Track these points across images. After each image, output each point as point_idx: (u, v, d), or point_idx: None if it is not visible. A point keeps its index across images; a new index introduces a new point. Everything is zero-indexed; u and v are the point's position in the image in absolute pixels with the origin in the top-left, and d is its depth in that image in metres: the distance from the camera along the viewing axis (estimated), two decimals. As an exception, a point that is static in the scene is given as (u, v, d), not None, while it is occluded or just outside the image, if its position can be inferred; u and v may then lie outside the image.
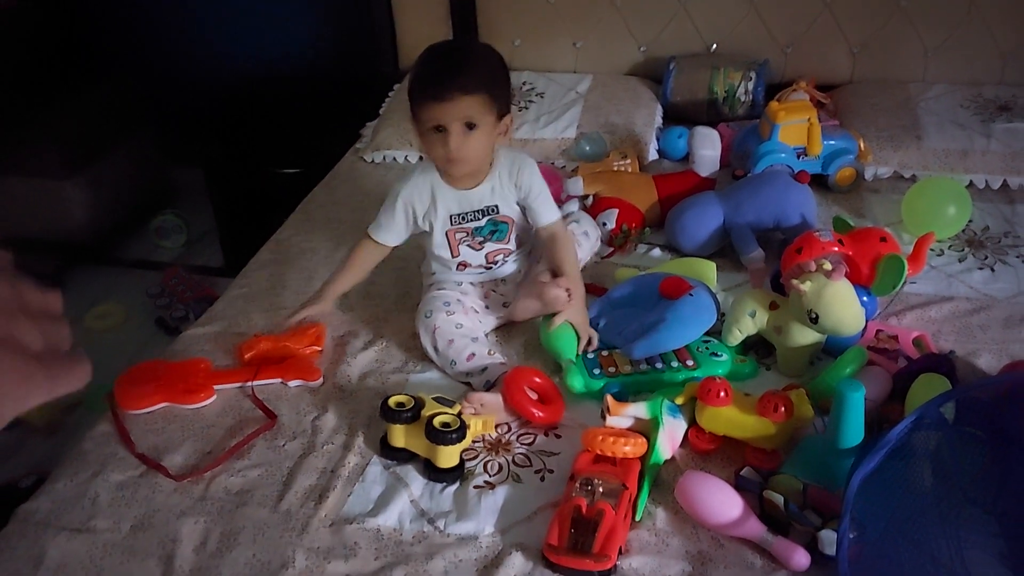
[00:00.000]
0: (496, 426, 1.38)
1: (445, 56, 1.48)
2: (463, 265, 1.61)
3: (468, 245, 1.59)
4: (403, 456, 1.32)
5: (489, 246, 1.60)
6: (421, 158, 2.15)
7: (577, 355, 1.49)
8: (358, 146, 2.40)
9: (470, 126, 1.44)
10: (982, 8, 2.24)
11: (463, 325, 1.52)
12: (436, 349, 1.51)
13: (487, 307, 1.62)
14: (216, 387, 1.49)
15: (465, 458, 1.32)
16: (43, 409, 2.22)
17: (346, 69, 2.94)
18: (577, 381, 1.43)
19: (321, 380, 1.51)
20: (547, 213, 1.59)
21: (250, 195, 2.70)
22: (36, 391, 0.43)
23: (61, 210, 2.90)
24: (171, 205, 3.21)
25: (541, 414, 1.37)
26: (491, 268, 1.63)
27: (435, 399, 1.35)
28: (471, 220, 1.57)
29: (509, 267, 1.66)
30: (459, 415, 1.30)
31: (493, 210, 1.57)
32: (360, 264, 1.64)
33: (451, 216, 1.57)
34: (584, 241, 1.72)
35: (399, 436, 1.32)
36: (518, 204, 1.59)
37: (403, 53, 2.65)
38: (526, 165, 1.57)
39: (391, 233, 1.60)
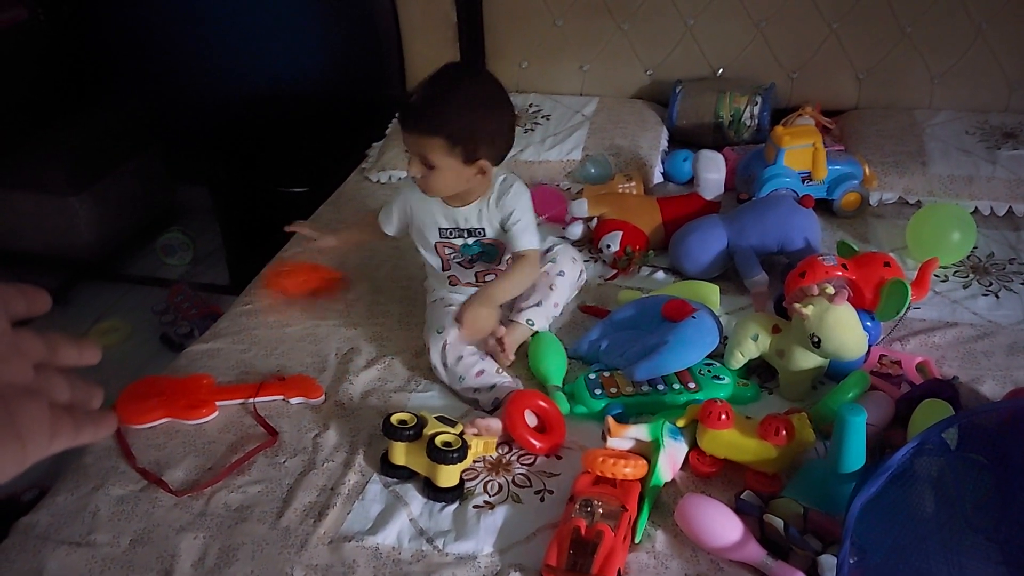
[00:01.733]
0: (496, 446, 1.38)
1: (428, 85, 1.44)
2: (454, 280, 1.62)
3: (458, 262, 1.60)
4: (403, 474, 1.32)
5: (479, 266, 1.61)
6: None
7: (564, 382, 1.49)
8: (364, 166, 2.42)
9: (427, 164, 1.45)
10: (988, 35, 2.25)
11: (465, 348, 1.51)
12: (445, 364, 1.51)
13: None
14: (218, 403, 1.49)
15: (465, 478, 1.31)
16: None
17: (353, 90, 2.97)
18: (564, 406, 1.43)
19: (323, 398, 1.51)
20: (521, 241, 1.55)
21: (256, 214, 2.72)
22: (60, 439, 0.47)
23: (68, 226, 2.92)
24: (177, 223, 3.23)
25: (540, 444, 1.36)
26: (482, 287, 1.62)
27: (438, 418, 1.35)
28: (457, 237, 1.58)
29: None
30: (461, 435, 1.30)
31: (479, 232, 1.57)
32: (365, 229, 1.74)
33: (439, 229, 1.58)
34: (560, 282, 1.65)
35: (400, 454, 1.32)
36: (502, 226, 1.56)
37: (410, 74, 2.67)
38: (514, 191, 1.54)
39: (388, 223, 1.66)
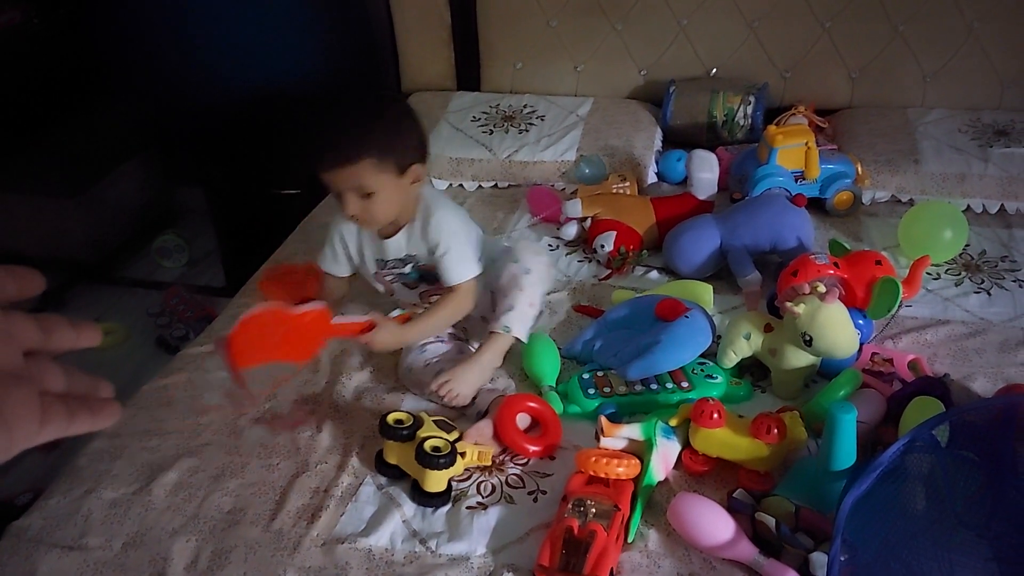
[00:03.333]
0: (493, 457, 1.36)
1: (323, 121, 1.39)
2: (403, 304, 1.60)
3: (404, 283, 1.57)
4: (395, 473, 1.32)
5: (424, 286, 1.57)
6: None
7: (558, 381, 1.49)
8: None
9: (365, 193, 1.38)
10: (980, 34, 2.26)
11: (443, 371, 1.47)
12: (423, 395, 1.50)
13: (464, 339, 1.61)
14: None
15: (458, 479, 1.32)
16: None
17: (348, 92, 2.96)
18: (557, 406, 1.43)
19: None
20: (451, 274, 1.48)
21: (252, 215, 2.72)
22: (50, 427, 0.44)
23: (64, 228, 2.92)
24: (173, 225, 3.24)
25: (536, 448, 1.36)
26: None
27: (436, 422, 1.35)
28: (395, 267, 1.54)
29: None
30: (454, 442, 1.30)
31: (412, 259, 1.53)
32: (328, 298, 1.53)
33: (376, 260, 1.54)
34: (527, 280, 1.55)
35: (393, 453, 1.32)
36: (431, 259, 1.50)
37: (405, 76, 2.67)
38: (436, 221, 1.47)
39: (335, 265, 1.57)
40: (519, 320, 1.53)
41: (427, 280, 1.56)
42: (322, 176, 1.39)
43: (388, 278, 1.56)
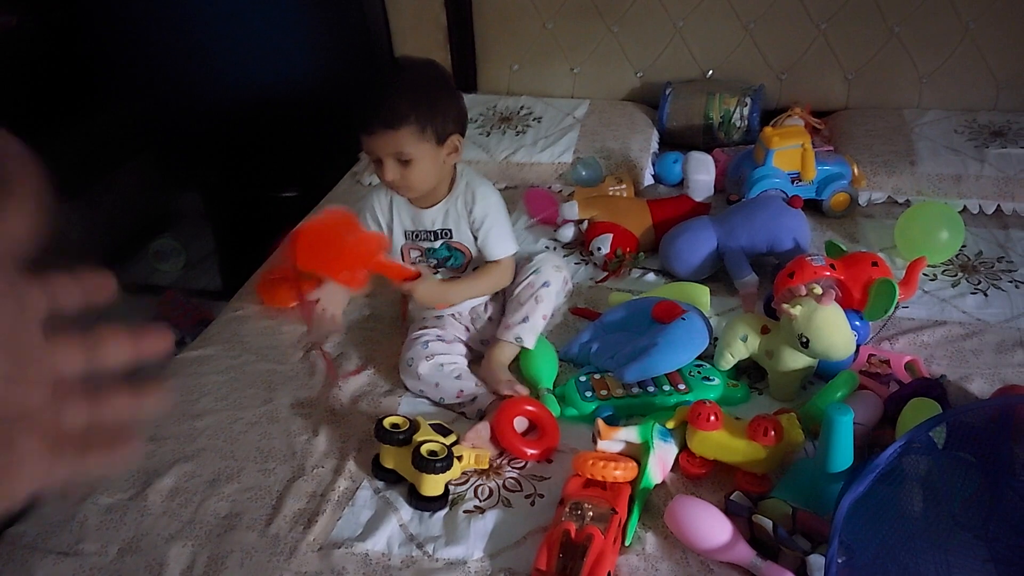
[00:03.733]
0: (490, 461, 1.35)
1: (371, 85, 1.43)
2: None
3: (425, 266, 1.58)
4: (392, 477, 1.32)
5: (444, 273, 1.59)
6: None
7: (555, 384, 1.49)
8: (355, 169, 2.42)
9: (404, 160, 1.42)
10: (976, 34, 2.26)
11: (444, 365, 1.49)
12: (424, 393, 1.50)
13: (466, 340, 1.61)
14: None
15: (456, 482, 1.31)
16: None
17: (344, 93, 2.96)
18: (554, 409, 1.43)
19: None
20: (496, 249, 1.54)
21: (248, 219, 2.71)
22: (57, 471, 0.40)
23: (59, 232, 2.91)
24: (169, 229, 3.23)
25: (534, 451, 1.35)
26: None
27: (433, 425, 1.34)
28: (424, 239, 1.56)
29: (474, 301, 1.62)
30: (450, 446, 1.30)
31: (447, 234, 1.55)
32: None
33: (406, 231, 1.56)
34: (545, 293, 1.57)
35: (390, 457, 1.32)
36: (472, 233, 1.55)
37: (401, 78, 2.67)
38: (481, 195, 1.52)
39: None
40: (531, 333, 1.53)
41: (453, 263, 1.57)
42: (363, 139, 1.42)
43: (414, 253, 1.57)
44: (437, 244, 1.56)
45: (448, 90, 1.48)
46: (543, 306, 1.56)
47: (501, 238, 1.54)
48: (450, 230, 1.54)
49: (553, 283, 1.59)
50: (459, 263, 1.58)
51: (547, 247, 1.96)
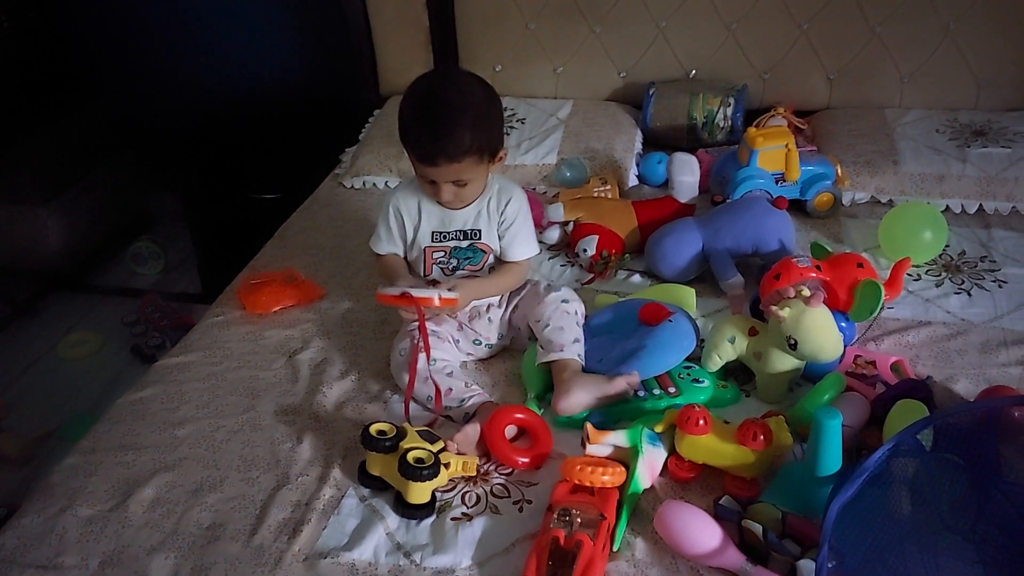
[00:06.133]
0: (477, 468, 1.34)
1: (431, 116, 1.40)
2: (433, 284, 1.59)
3: (441, 268, 1.59)
4: (378, 484, 1.30)
5: (459, 273, 1.59)
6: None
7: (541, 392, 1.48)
8: (337, 172, 2.40)
9: (461, 183, 1.46)
10: (956, 34, 2.27)
11: (437, 360, 1.49)
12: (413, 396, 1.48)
13: (459, 340, 1.59)
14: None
15: (443, 489, 1.30)
16: (14, 439, 2.18)
17: (326, 95, 2.94)
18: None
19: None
20: (521, 250, 1.58)
21: (229, 221, 2.68)
22: None
23: (37, 236, 2.87)
24: (148, 231, 3.19)
25: (525, 460, 1.34)
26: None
27: (419, 432, 1.33)
28: (452, 239, 1.57)
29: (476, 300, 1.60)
30: (437, 453, 1.28)
31: (476, 234, 1.56)
32: (404, 277, 1.56)
33: (433, 232, 1.57)
34: (572, 312, 1.54)
35: (376, 464, 1.30)
36: (498, 233, 1.57)
37: (384, 79, 2.65)
38: (515, 196, 1.57)
39: (392, 244, 1.60)
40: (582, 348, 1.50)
41: (471, 262, 1.58)
42: (420, 166, 1.46)
43: (436, 254, 1.57)
44: (465, 244, 1.57)
45: (498, 107, 1.50)
46: (579, 327, 1.54)
47: (527, 240, 1.59)
48: (480, 230, 1.56)
49: (572, 300, 1.56)
50: (477, 261, 1.59)
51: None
